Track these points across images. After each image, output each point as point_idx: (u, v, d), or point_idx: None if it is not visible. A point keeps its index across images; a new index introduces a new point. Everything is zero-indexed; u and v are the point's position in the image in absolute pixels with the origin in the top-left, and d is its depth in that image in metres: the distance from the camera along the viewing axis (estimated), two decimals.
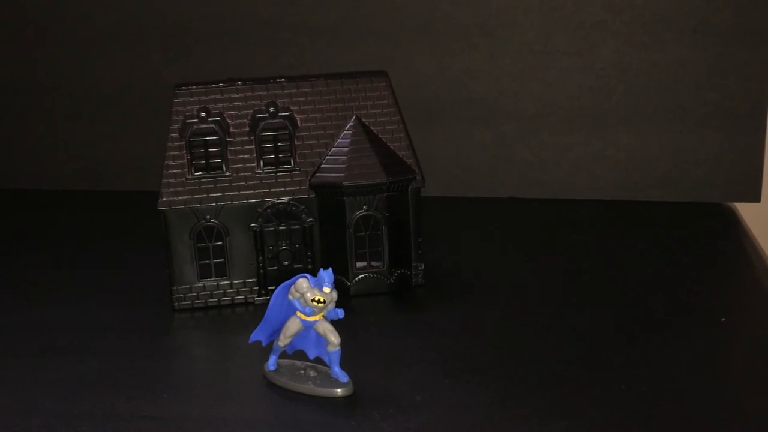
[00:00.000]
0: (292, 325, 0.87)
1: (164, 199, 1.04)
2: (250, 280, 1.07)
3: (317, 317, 0.86)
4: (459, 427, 0.82)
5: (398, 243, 1.07)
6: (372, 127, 1.07)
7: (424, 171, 1.08)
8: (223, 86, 1.06)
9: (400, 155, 1.07)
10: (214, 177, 1.04)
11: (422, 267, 1.10)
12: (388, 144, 1.07)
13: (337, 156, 1.05)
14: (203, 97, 1.05)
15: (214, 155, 1.04)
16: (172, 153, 1.04)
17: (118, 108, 1.45)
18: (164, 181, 1.04)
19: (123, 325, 1.03)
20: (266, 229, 1.06)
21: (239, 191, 1.05)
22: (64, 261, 1.22)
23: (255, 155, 1.05)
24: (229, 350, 1.00)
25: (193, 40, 1.40)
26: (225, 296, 1.07)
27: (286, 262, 1.07)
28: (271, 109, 1.05)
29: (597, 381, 0.88)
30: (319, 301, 0.85)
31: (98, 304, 1.08)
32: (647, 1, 1.29)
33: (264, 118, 1.05)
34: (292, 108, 1.06)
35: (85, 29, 1.43)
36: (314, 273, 0.87)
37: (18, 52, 1.46)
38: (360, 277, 1.07)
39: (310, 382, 0.88)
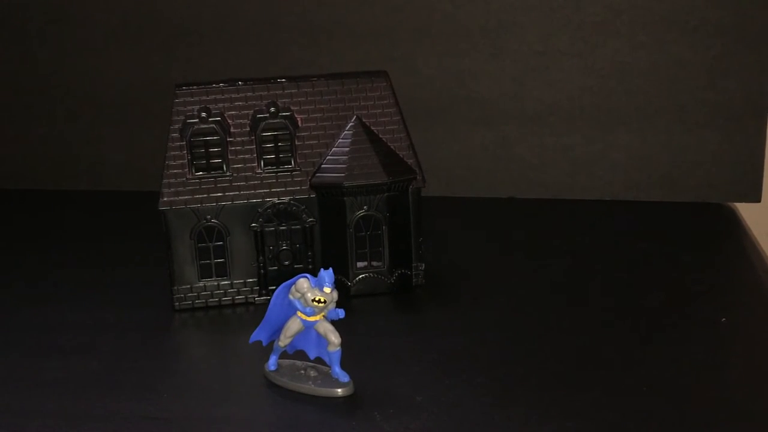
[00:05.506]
0: (293, 325, 0.87)
1: (165, 199, 1.04)
2: (251, 280, 1.07)
3: (318, 317, 0.86)
4: (459, 427, 0.82)
5: (398, 243, 1.07)
6: (372, 127, 1.07)
7: (424, 171, 1.08)
8: (223, 86, 1.06)
9: (401, 155, 1.07)
10: (215, 177, 1.04)
11: (422, 267, 1.10)
12: (389, 144, 1.07)
13: (338, 156, 1.05)
14: (204, 97, 1.05)
15: (215, 155, 1.04)
16: (172, 153, 1.04)
17: (118, 108, 1.45)
18: (165, 181, 1.04)
19: (123, 325, 1.03)
20: (267, 229, 1.06)
21: (240, 191, 1.05)
22: (64, 261, 1.22)
23: (255, 155, 1.05)
24: (229, 350, 0.99)
25: (194, 40, 1.40)
26: (225, 296, 1.07)
27: (286, 262, 1.07)
28: (272, 109, 1.05)
29: (597, 381, 0.88)
30: (319, 301, 0.85)
31: (98, 304, 1.08)
32: (647, 1, 1.29)
33: (265, 118, 1.05)
34: (292, 108, 1.06)
35: (85, 29, 1.43)
36: (315, 273, 0.87)
37: (18, 52, 1.46)
38: (360, 277, 1.07)
39: (310, 382, 0.88)
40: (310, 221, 1.06)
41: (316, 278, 0.85)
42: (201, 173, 1.04)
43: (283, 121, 1.05)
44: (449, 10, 1.33)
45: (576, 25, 1.31)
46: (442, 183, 1.36)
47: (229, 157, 1.05)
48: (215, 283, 1.06)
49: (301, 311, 0.86)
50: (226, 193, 1.04)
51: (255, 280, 1.07)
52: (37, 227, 1.35)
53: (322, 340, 0.87)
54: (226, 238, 1.05)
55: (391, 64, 1.26)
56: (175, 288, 1.06)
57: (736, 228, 1.26)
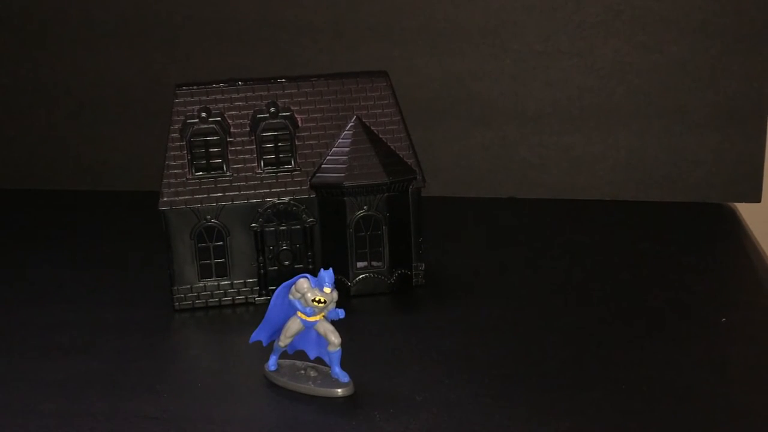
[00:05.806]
0: (293, 325, 0.87)
1: (165, 199, 1.04)
2: (251, 280, 1.07)
3: (318, 317, 0.86)
4: (459, 427, 0.82)
5: (399, 243, 1.07)
6: (373, 127, 1.07)
7: (424, 171, 1.08)
8: (223, 86, 1.06)
9: (401, 155, 1.07)
10: (215, 177, 1.05)
11: (422, 267, 1.10)
12: (389, 144, 1.07)
13: (338, 156, 1.05)
14: (204, 97, 1.05)
15: (215, 155, 1.04)
16: (172, 153, 1.04)
17: (118, 108, 1.45)
18: (165, 181, 1.04)
19: (123, 325, 1.03)
20: (267, 229, 1.06)
21: (240, 191, 1.05)
22: (65, 261, 1.22)
23: (256, 155, 1.05)
24: (229, 350, 0.99)
25: (194, 40, 1.40)
26: (225, 296, 1.07)
27: (286, 262, 1.07)
28: (272, 109, 1.05)
29: (597, 381, 0.88)
30: (319, 301, 0.85)
31: (98, 304, 1.08)
32: (647, 1, 1.29)
33: (265, 118, 1.05)
34: (292, 108, 1.06)
35: (85, 29, 1.43)
36: (315, 273, 0.87)
37: (18, 52, 1.46)
38: (360, 277, 1.07)
39: (310, 382, 0.88)
40: (310, 221, 1.06)
41: (316, 278, 0.85)
42: (201, 173, 1.04)
43: (283, 121, 1.05)
44: (449, 10, 1.33)
45: (576, 25, 1.31)
46: (442, 183, 1.36)
47: (229, 157, 1.05)
48: (215, 283, 1.06)
49: (301, 311, 0.86)
50: (226, 193, 1.04)
51: (255, 280, 1.07)
52: (37, 227, 1.35)
53: (322, 340, 0.87)
54: (226, 238, 1.05)
55: (391, 64, 1.26)
56: (175, 288, 1.06)
57: (736, 228, 1.26)
